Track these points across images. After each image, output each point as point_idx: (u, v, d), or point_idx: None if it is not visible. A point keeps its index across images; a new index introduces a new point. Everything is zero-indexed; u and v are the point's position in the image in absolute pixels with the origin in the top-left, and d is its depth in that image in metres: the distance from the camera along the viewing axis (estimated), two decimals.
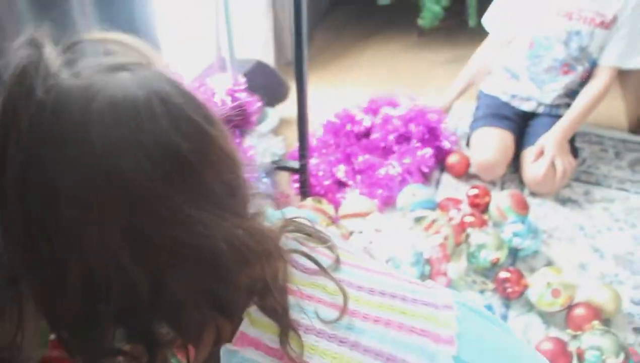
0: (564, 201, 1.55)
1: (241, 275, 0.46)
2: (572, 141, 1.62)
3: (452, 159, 1.62)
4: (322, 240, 0.55)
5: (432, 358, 0.48)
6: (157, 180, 0.41)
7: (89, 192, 0.40)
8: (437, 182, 1.61)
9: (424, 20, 2.28)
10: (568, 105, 1.61)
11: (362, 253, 0.62)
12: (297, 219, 0.55)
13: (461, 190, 1.54)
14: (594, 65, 1.57)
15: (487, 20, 1.71)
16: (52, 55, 0.42)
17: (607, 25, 1.52)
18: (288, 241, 0.52)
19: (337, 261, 0.53)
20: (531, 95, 1.64)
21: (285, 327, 0.45)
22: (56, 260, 0.41)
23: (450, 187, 1.59)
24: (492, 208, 1.42)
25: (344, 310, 0.48)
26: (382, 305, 0.51)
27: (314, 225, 0.56)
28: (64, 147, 0.40)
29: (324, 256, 0.53)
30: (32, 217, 0.41)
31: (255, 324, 0.47)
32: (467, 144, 1.69)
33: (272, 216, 0.53)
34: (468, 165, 1.62)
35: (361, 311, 0.49)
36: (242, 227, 0.45)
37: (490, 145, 1.57)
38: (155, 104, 0.42)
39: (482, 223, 1.35)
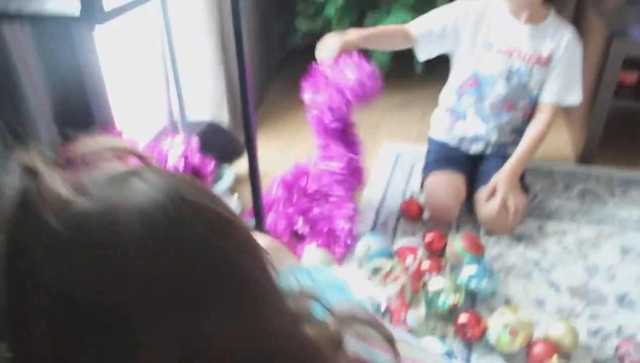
0: (519, 237, 1.59)
1: None
2: (522, 179, 1.68)
3: (406, 205, 1.66)
4: (382, 331, 0.51)
5: None
6: (204, 284, 0.39)
7: (136, 316, 0.36)
8: (394, 229, 1.63)
9: None
10: (514, 143, 1.67)
11: (419, 343, 0.59)
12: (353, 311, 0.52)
13: (418, 235, 1.56)
14: (534, 101, 1.65)
15: (414, 26, 1.66)
16: (55, 179, 0.38)
17: (544, 63, 1.60)
18: (348, 339, 0.48)
19: (398, 357, 0.51)
20: (478, 132, 1.69)
21: None
22: None
23: (407, 232, 1.61)
24: (448, 251, 1.45)
25: None
26: None
27: (368, 312, 0.53)
28: (99, 278, 0.36)
29: (383, 351, 0.50)
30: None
31: None
32: (421, 188, 1.73)
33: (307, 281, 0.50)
34: (421, 209, 1.65)
35: None
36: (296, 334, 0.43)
37: (441, 189, 1.61)
38: (182, 206, 0.39)
39: (439, 268, 1.38)
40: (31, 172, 0.37)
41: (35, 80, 1.08)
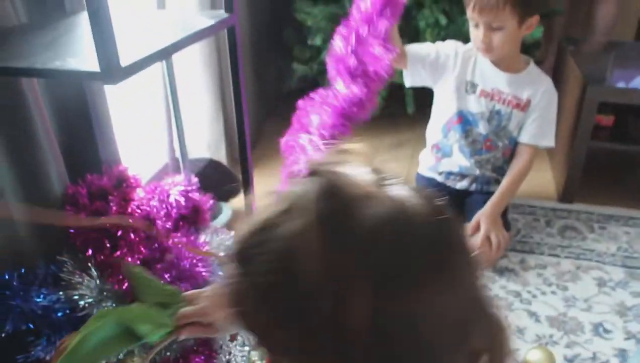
0: (501, 271, 1.67)
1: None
2: (505, 215, 1.77)
3: None
4: None
5: None
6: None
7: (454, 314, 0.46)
8: None
9: None
10: (497, 181, 1.77)
11: None
12: None
13: None
14: (513, 142, 1.75)
15: (410, 46, 1.75)
16: (360, 172, 0.47)
17: (523, 107, 1.71)
18: None
19: None
20: (462, 166, 1.79)
21: None
22: None
23: None
24: None
25: None
26: None
27: None
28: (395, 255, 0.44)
29: None
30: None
31: None
32: None
33: None
34: None
35: None
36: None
37: None
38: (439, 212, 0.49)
39: None
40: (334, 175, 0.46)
41: (47, 124, 1.17)
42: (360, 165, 0.50)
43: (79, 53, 0.81)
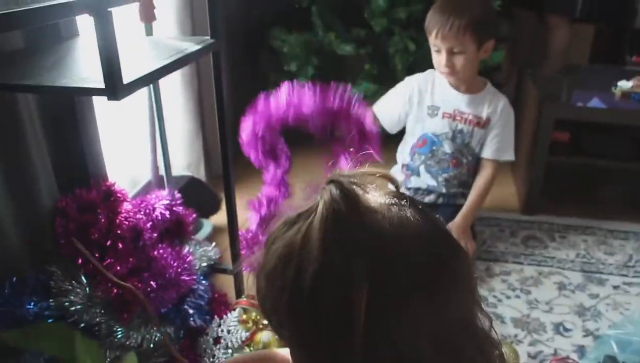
0: None
1: None
2: (472, 227, 1.88)
3: None
4: None
5: None
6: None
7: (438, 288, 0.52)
8: None
9: None
10: (463, 194, 1.89)
11: None
12: None
13: None
14: (476, 159, 1.88)
15: (375, 105, 1.93)
16: (377, 189, 0.55)
17: (483, 125, 1.84)
18: None
19: None
20: (429, 185, 1.91)
21: None
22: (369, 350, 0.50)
23: None
24: None
25: None
26: None
27: None
28: (402, 247, 0.52)
29: None
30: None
31: None
32: None
33: None
34: None
35: None
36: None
37: None
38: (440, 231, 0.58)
39: None
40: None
41: (38, 137, 1.23)
42: (379, 185, 0.57)
43: (81, 73, 0.89)
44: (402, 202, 0.55)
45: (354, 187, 0.54)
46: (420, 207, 0.56)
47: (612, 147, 2.14)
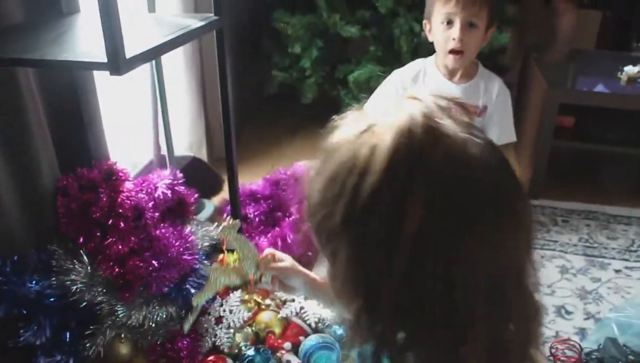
0: None
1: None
2: None
3: None
4: None
5: None
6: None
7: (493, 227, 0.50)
8: None
9: None
10: None
11: None
12: None
13: None
14: None
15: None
16: (456, 120, 0.52)
17: (480, 113, 1.80)
18: None
19: None
20: None
21: None
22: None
23: None
24: None
25: None
26: None
27: None
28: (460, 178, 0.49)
29: None
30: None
31: None
32: None
33: None
34: None
35: None
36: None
37: None
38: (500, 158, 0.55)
39: None
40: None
41: (41, 118, 1.23)
42: (460, 116, 0.55)
43: (83, 47, 0.88)
44: (477, 133, 0.53)
45: (435, 110, 0.52)
46: (492, 142, 0.55)
47: (616, 132, 2.12)
